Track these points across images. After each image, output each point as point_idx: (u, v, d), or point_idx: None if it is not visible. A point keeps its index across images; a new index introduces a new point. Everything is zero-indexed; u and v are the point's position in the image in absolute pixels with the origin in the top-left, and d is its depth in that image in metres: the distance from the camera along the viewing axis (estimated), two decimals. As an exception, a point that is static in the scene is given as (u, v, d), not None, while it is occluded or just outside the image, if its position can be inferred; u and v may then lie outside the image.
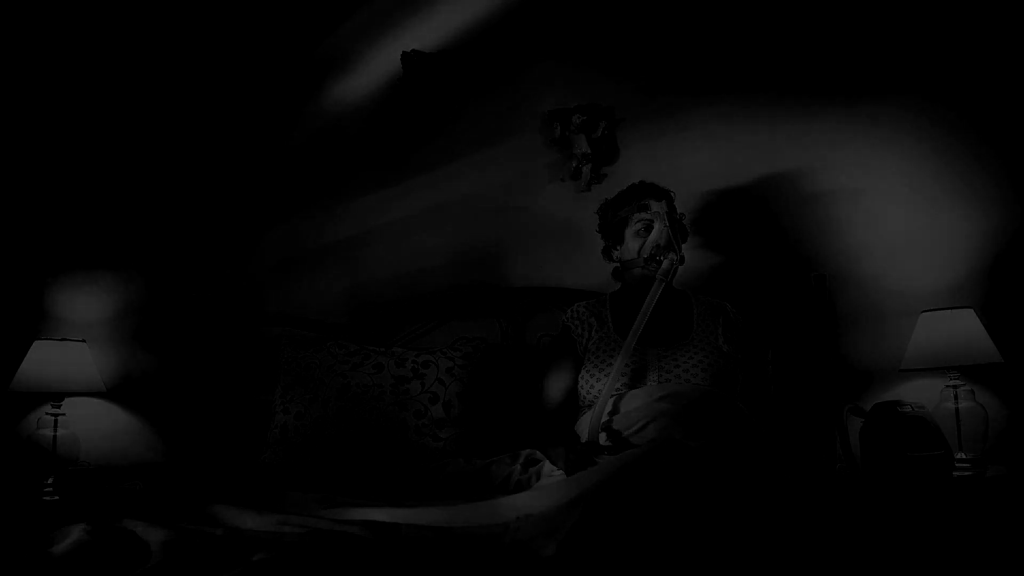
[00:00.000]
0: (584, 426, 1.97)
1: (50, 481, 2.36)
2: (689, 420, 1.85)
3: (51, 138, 2.77)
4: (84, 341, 2.56)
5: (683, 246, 2.20)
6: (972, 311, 2.24)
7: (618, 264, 2.27)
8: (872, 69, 2.52)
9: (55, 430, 2.42)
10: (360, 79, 2.84)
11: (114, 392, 2.64)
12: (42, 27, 2.78)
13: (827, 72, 2.55)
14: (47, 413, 2.45)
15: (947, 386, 2.21)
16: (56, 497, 2.33)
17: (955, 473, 2.11)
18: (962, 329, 2.20)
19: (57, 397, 2.45)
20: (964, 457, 2.14)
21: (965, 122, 2.44)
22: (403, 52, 2.77)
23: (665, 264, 2.04)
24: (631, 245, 2.17)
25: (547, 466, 1.86)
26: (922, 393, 2.27)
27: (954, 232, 2.42)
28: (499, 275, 2.69)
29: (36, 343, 2.47)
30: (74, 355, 2.50)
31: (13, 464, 2.47)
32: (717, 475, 1.33)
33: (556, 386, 2.15)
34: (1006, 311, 2.32)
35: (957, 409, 2.17)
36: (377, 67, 2.83)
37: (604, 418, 1.93)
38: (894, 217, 2.47)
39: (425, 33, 2.80)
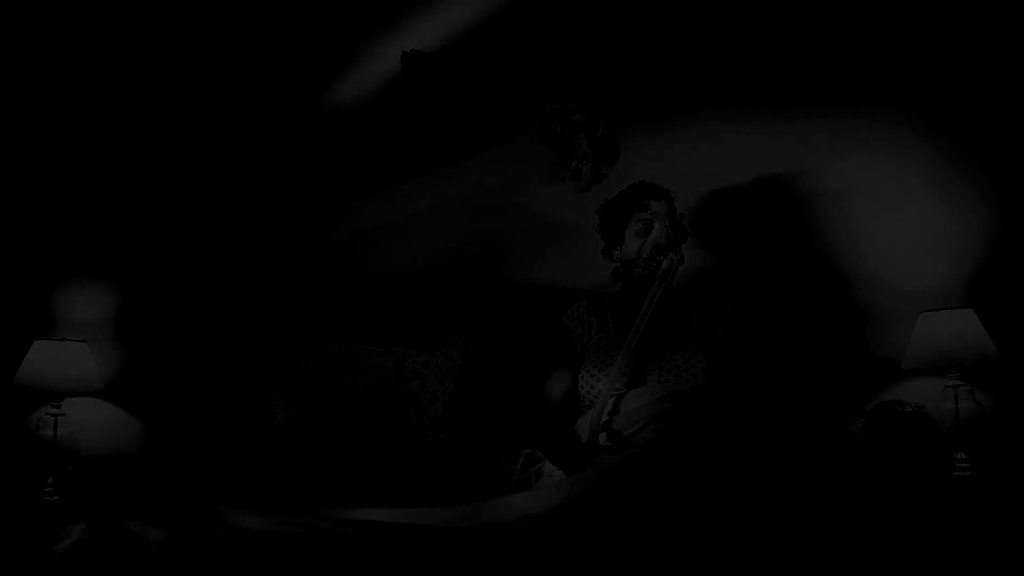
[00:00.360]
0: (584, 426, 1.97)
1: (50, 481, 2.36)
2: (689, 420, 1.85)
3: (54, 143, 2.77)
4: (84, 341, 2.55)
5: (683, 246, 2.20)
6: (972, 311, 2.24)
7: (618, 264, 2.27)
8: (870, 77, 2.53)
9: (55, 430, 2.42)
10: (359, 79, 2.84)
11: (114, 392, 2.64)
12: (44, 25, 2.78)
13: (827, 78, 2.56)
14: (47, 413, 2.44)
15: (947, 386, 2.21)
16: (56, 497, 2.33)
17: (955, 473, 2.11)
18: (962, 329, 2.21)
19: (57, 397, 2.45)
20: (964, 457, 2.14)
21: (963, 126, 2.46)
22: (403, 52, 2.76)
23: (665, 264, 2.04)
24: (631, 245, 2.17)
25: (547, 466, 1.86)
26: (922, 393, 2.27)
27: (954, 232, 2.42)
28: (499, 275, 2.69)
29: (36, 343, 2.47)
30: (74, 355, 2.49)
31: (13, 464, 2.47)
32: (716, 475, 1.33)
33: (555, 386, 2.15)
34: (1005, 311, 2.32)
35: (957, 409, 2.17)
36: (376, 67, 2.82)
37: (604, 418, 1.93)
38: (894, 218, 2.47)
39: (425, 33, 2.80)
